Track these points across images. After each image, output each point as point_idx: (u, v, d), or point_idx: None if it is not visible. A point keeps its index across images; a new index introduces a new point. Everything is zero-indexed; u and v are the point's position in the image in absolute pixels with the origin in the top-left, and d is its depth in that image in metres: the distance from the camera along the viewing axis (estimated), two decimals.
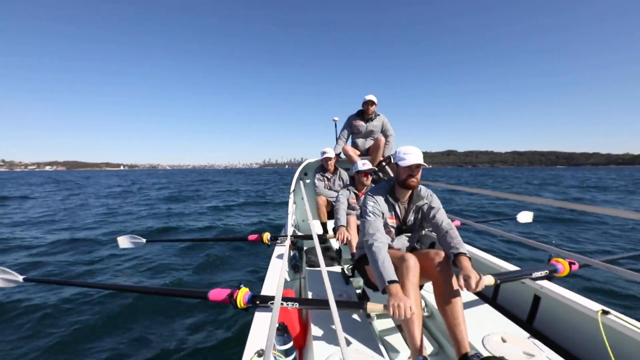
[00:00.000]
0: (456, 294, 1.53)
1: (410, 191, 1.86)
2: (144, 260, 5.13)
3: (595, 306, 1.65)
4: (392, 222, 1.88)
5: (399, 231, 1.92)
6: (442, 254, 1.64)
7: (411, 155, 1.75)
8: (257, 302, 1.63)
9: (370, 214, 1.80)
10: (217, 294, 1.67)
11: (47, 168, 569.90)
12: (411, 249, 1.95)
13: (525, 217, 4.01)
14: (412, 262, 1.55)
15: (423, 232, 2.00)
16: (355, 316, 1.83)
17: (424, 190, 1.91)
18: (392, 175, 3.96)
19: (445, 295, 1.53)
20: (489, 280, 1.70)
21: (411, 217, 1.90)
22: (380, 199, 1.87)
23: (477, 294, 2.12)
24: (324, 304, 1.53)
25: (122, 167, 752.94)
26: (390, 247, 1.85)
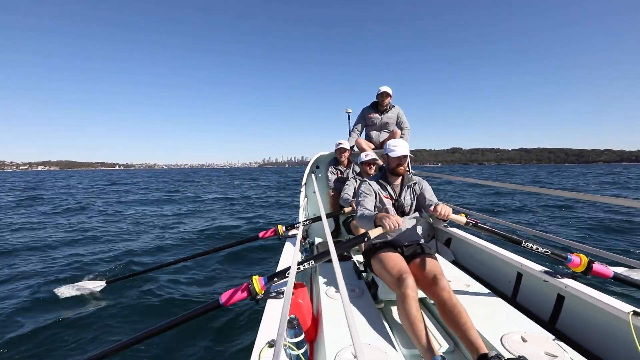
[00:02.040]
0: (454, 298, 1.62)
1: (400, 176, 2.25)
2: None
3: (625, 307, 1.57)
4: (387, 200, 2.22)
5: (398, 211, 2.21)
6: (435, 262, 1.91)
7: (399, 147, 2.14)
8: (275, 279, 1.71)
9: (361, 194, 2.26)
10: (230, 294, 1.69)
11: (40, 168, 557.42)
12: (414, 246, 2.14)
13: None
14: (410, 290, 1.67)
15: (425, 214, 2.22)
16: (367, 309, 1.88)
17: (414, 176, 2.34)
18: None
19: (444, 301, 1.62)
20: (459, 218, 1.95)
21: (406, 196, 2.24)
22: (373, 183, 2.29)
23: (495, 291, 2.12)
24: (326, 254, 1.71)
25: (117, 167, 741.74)
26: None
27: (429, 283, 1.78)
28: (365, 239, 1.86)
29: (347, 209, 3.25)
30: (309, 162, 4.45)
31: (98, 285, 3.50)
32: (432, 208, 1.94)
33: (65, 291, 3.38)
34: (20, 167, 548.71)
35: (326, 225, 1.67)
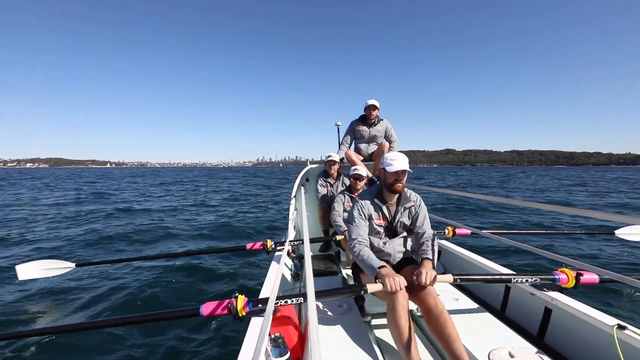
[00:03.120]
0: (440, 306, 1.62)
1: (397, 194, 2.04)
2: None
3: (610, 320, 1.59)
4: (379, 222, 2.06)
5: (390, 232, 2.07)
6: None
7: (397, 161, 1.91)
8: (259, 305, 1.61)
9: (356, 219, 2.03)
10: (212, 307, 1.61)
11: (29, 165, 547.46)
12: (403, 258, 2.08)
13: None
14: (401, 298, 1.62)
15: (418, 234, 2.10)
16: (355, 325, 1.83)
17: (412, 194, 2.12)
18: None
19: (430, 308, 1.63)
20: (445, 277, 1.78)
21: (400, 218, 2.06)
22: (366, 203, 2.07)
23: (484, 305, 2.14)
24: (319, 294, 1.58)
25: (109, 165, 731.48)
26: (380, 250, 2.06)
27: (415, 288, 1.74)
28: (362, 292, 1.67)
29: (340, 237, 3.05)
30: (302, 161, 4.34)
31: (67, 266, 3.15)
32: (415, 277, 1.70)
33: (26, 271, 2.98)
34: (9, 164, 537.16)
35: (307, 256, 1.42)
